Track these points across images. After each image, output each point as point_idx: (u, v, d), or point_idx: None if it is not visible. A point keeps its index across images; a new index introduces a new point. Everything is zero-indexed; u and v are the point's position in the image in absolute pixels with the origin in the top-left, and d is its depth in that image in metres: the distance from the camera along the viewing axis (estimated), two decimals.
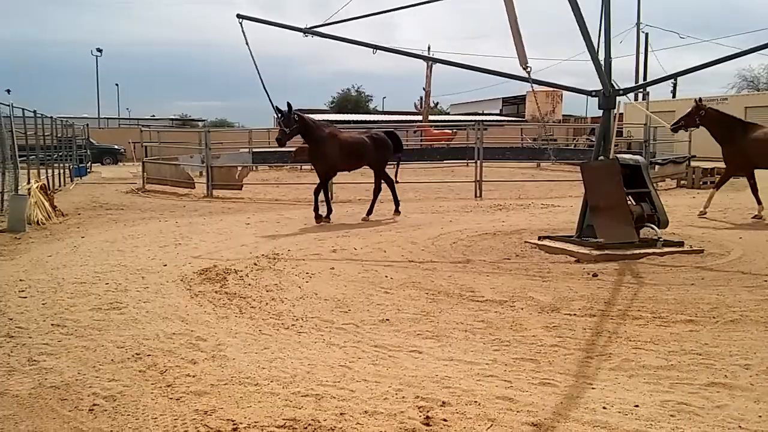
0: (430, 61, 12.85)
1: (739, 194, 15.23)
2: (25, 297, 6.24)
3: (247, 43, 10.28)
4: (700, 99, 12.39)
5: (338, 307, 5.94)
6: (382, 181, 12.81)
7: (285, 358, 4.54)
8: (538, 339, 4.99)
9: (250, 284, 6.84)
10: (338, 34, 10.35)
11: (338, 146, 11.97)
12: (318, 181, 12.22)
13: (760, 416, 3.57)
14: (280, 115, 11.42)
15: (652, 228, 8.59)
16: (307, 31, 10.15)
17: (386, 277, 7.20)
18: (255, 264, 7.87)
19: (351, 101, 68.55)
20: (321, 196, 12.00)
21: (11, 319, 5.47)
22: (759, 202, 11.88)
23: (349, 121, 50.57)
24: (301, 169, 26.32)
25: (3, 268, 7.68)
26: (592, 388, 3.99)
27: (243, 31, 10.20)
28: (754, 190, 12.00)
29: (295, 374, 4.22)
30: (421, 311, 5.79)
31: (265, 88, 10.92)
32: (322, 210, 11.92)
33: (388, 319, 5.54)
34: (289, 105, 11.42)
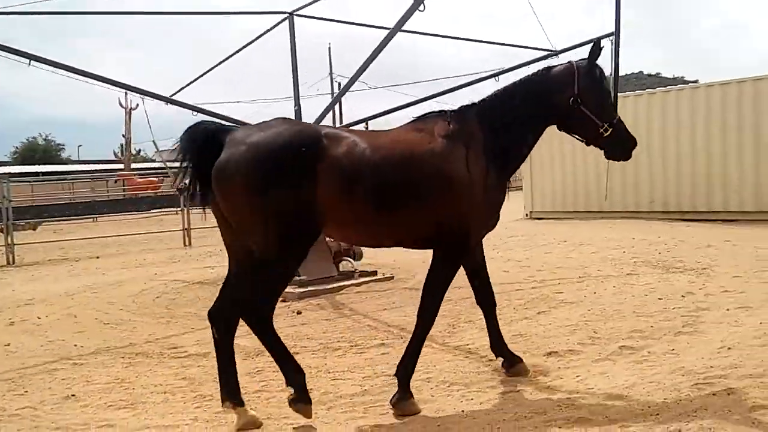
0: None
1: None
2: None
3: None
4: None
5: (11, 390, 5.11)
6: None
7: None
8: (241, 386, 4.87)
9: None
10: None
11: None
12: None
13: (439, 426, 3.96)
14: None
15: (349, 260, 9.18)
16: None
17: (75, 345, 6.45)
18: None
19: (39, 151, 61.17)
20: None
21: None
22: None
23: (38, 173, 45.19)
24: None
25: None
26: (294, 429, 4.02)
27: None
28: None
29: None
30: (114, 379, 5.27)
31: None
32: None
33: (74, 395, 4.92)
34: None
